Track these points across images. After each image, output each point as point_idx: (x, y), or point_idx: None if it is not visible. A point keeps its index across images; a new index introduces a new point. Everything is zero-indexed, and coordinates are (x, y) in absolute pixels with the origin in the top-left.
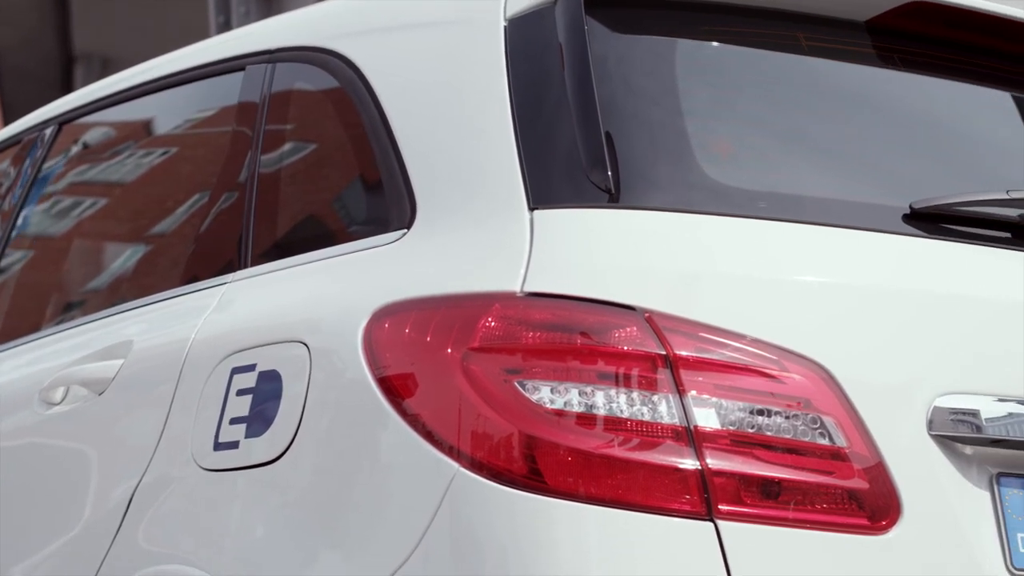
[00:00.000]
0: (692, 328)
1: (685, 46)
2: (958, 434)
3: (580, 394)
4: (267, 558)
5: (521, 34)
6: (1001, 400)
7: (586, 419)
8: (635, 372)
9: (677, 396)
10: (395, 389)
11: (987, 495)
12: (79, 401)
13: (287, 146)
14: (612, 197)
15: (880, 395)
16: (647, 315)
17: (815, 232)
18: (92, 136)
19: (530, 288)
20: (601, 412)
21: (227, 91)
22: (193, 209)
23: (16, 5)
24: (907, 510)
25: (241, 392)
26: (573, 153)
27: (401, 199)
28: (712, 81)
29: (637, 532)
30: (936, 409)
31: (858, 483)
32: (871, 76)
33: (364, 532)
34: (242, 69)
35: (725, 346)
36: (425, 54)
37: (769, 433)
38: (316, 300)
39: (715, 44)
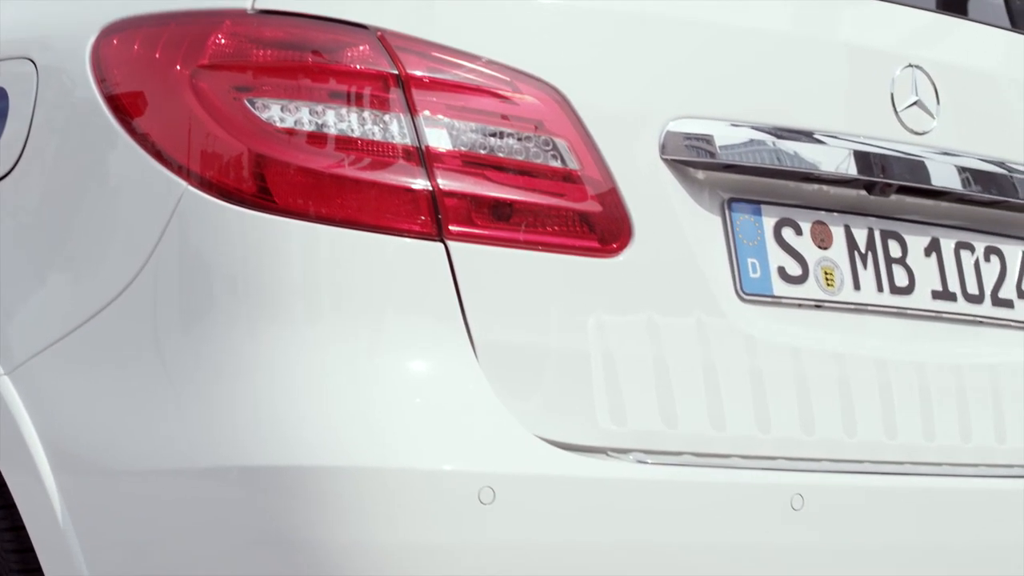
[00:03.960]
0: (425, 48)
1: None
2: (691, 159)
3: (311, 113)
4: None
5: None
6: (735, 125)
7: (316, 138)
8: (367, 91)
9: (409, 116)
10: (124, 107)
11: (719, 220)
12: None
13: None
14: None
15: (613, 119)
16: (379, 34)
17: None
18: None
19: (261, 5)
20: (332, 131)
21: None
22: None
23: None
24: (638, 233)
25: None
26: None
27: None
28: None
29: (368, 252)
30: (669, 134)
31: (589, 206)
32: None
33: (92, 252)
34: None
35: (458, 67)
36: None
37: (501, 155)
38: (44, 16)
39: None
